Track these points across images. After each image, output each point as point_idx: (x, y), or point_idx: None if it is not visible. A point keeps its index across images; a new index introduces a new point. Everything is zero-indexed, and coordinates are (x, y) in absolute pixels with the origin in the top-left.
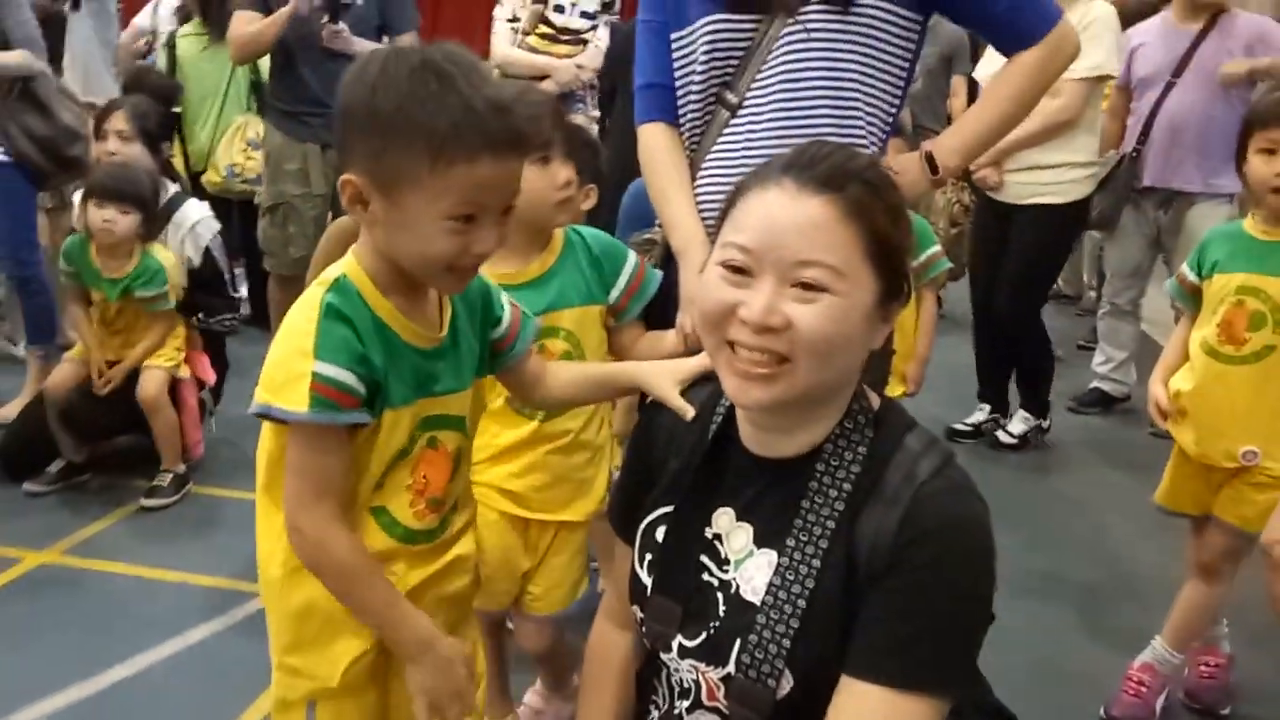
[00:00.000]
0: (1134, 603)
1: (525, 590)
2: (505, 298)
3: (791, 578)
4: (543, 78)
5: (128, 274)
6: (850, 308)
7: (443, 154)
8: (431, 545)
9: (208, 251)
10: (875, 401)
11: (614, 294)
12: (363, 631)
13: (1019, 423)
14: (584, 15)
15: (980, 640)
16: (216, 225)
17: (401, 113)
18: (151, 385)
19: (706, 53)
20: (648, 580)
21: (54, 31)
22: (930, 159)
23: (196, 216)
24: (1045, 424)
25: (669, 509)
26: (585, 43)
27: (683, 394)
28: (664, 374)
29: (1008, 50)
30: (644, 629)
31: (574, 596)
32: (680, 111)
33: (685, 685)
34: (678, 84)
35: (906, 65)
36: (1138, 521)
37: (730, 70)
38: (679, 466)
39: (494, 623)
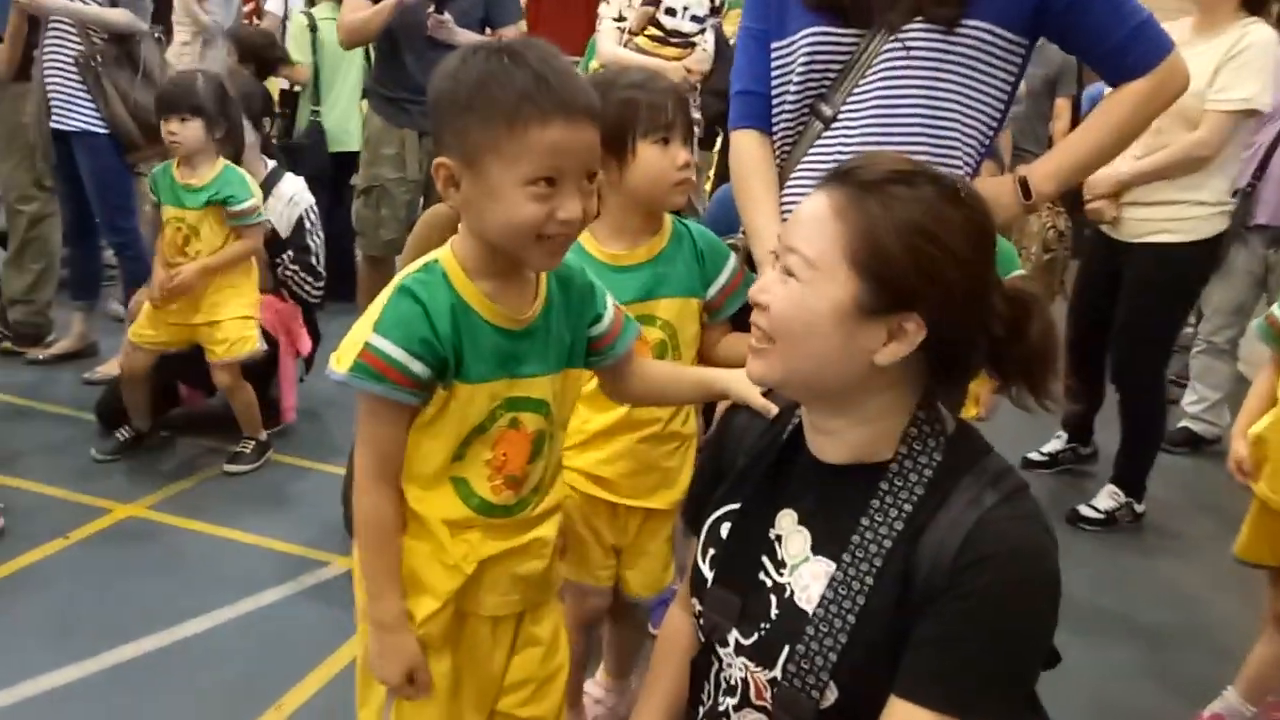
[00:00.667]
0: (1206, 651)
1: (620, 574)
2: (610, 300)
3: (844, 592)
4: None
5: (209, 182)
6: (813, 298)
7: (518, 118)
8: (510, 520)
9: (299, 221)
10: (950, 424)
11: (713, 290)
12: (438, 589)
13: (1107, 498)
14: (694, 19)
15: (1035, 676)
16: (310, 199)
17: (479, 88)
18: (224, 376)
19: (805, 64)
20: (709, 573)
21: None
22: (1024, 184)
23: (292, 190)
24: (1139, 507)
25: (735, 506)
26: (693, 46)
27: (766, 394)
28: (742, 377)
29: (1115, 80)
30: (701, 620)
31: (665, 582)
32: (774, 121)
33: (734, 682)
34: (774, 93)
35: (1008, 88)
36: (1216, 568)
37: (827, 83)
38: (747, 464)
39: (586, 622)
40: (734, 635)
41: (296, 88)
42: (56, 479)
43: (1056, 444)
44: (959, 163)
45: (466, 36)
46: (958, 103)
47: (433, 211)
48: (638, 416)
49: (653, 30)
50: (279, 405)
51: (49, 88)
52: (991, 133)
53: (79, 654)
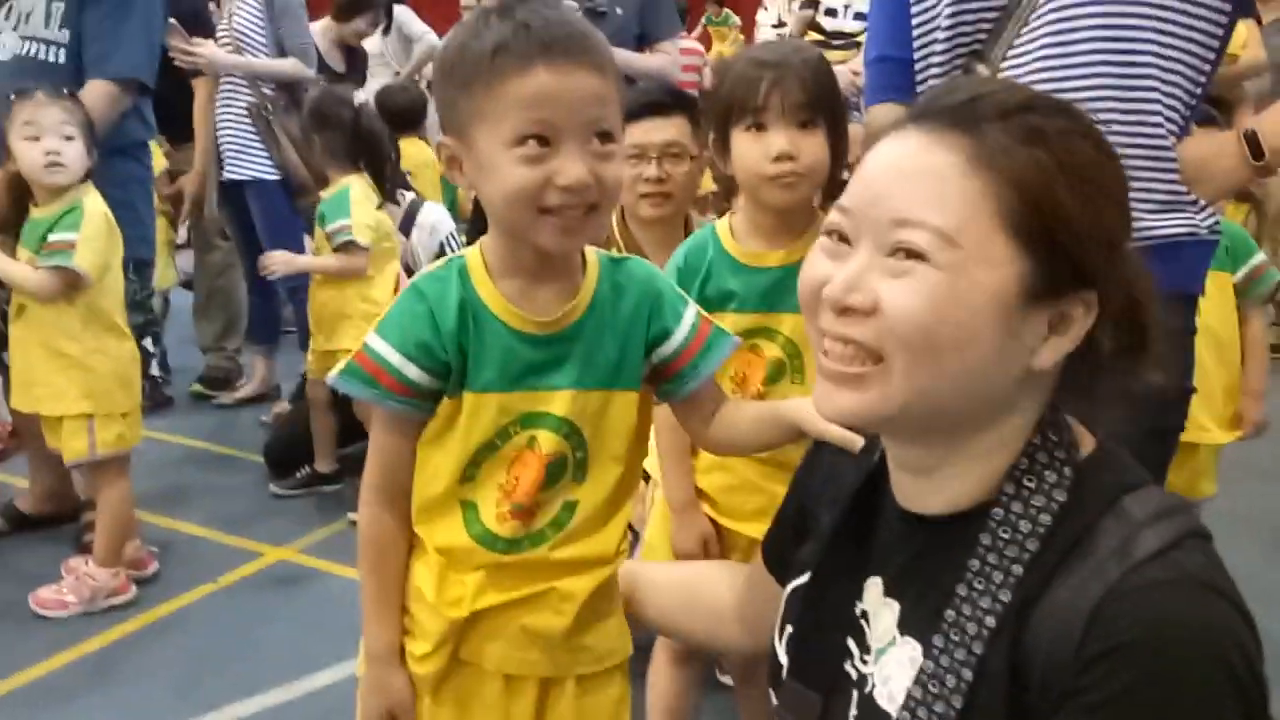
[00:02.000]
0: None
1: None
2: (692, 311)
3: (936, 690)
4: None
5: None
6: (961, 286)
7: (495, 72)
8: (517, 560)
9: (440, 249)
10: (1087, 446)
11: None
12: (428, 629)
13: None
14: (857, 17)
15: None
16: (451, 225)
17: (460, 50)
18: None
19: (952, 16)
20: (784, 659)
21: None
22: (1253, 139)
23: (433, 219)
24: None
25: (812, 573)
26: (858, 46)
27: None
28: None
29: None
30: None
31: None
32: (919, 89)
33: None
34: (917, 56)
35: (1219, 27)
36: None
37: (982, 35)
38: (830, 520)
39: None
40: None
41: None
42: (217, 522)
43: None
44: (1157, 121)
45: (620, 55)
46: (1152, 44)
47: None
48: None
49: (813, 35)
50: None
51: (221, 139)
52: (1200, 85)
53: (205, 706)
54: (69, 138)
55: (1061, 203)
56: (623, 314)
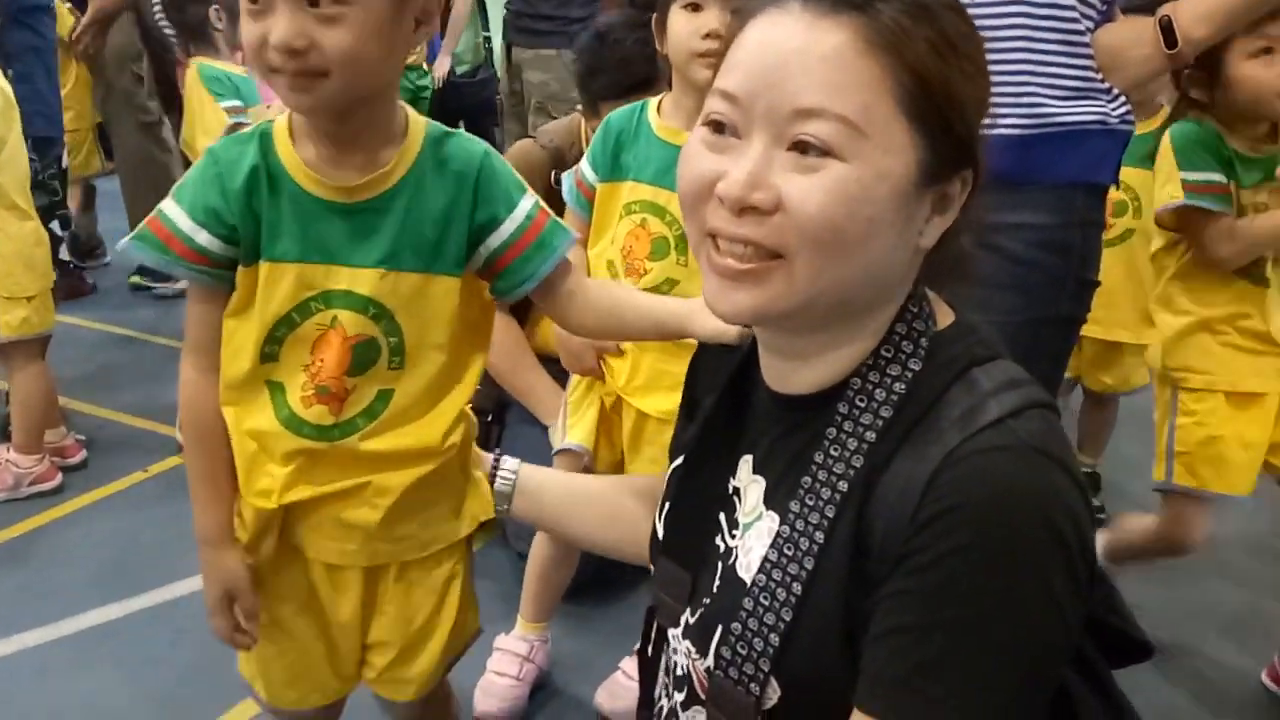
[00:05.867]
0: None
1: None
2: (529, 202)
3: (790, 553)
4: None
5: None
6: (871, 181)
7: None
8: (329, 448)
9: None
10: (945, 320)
11: None
12: (245, 518)
13: None
14: None
15: (1045, 682)
16: None
17: None
18: None
19: None
20: (661, 535)
21: None
22: (1167, 27)
23: None
24: None
25: (688, 453)
26: None
27: None
28: (702, 310)
29: None
30: (655, 597)
31: None
32: None
33: (681, 673)
34: None
35: None
36: None
37: None
38: (707, 405)
39: None
40: (685, 615)
41: None
42: (150, 411)
43: None
44: (1070, 4)
45: None
46: None
47: (517, 147)
48: None
49: None
50: None
51: None
52: None
53: (129, 590)
54: None
55: (953, 84)
56: (444, 192)
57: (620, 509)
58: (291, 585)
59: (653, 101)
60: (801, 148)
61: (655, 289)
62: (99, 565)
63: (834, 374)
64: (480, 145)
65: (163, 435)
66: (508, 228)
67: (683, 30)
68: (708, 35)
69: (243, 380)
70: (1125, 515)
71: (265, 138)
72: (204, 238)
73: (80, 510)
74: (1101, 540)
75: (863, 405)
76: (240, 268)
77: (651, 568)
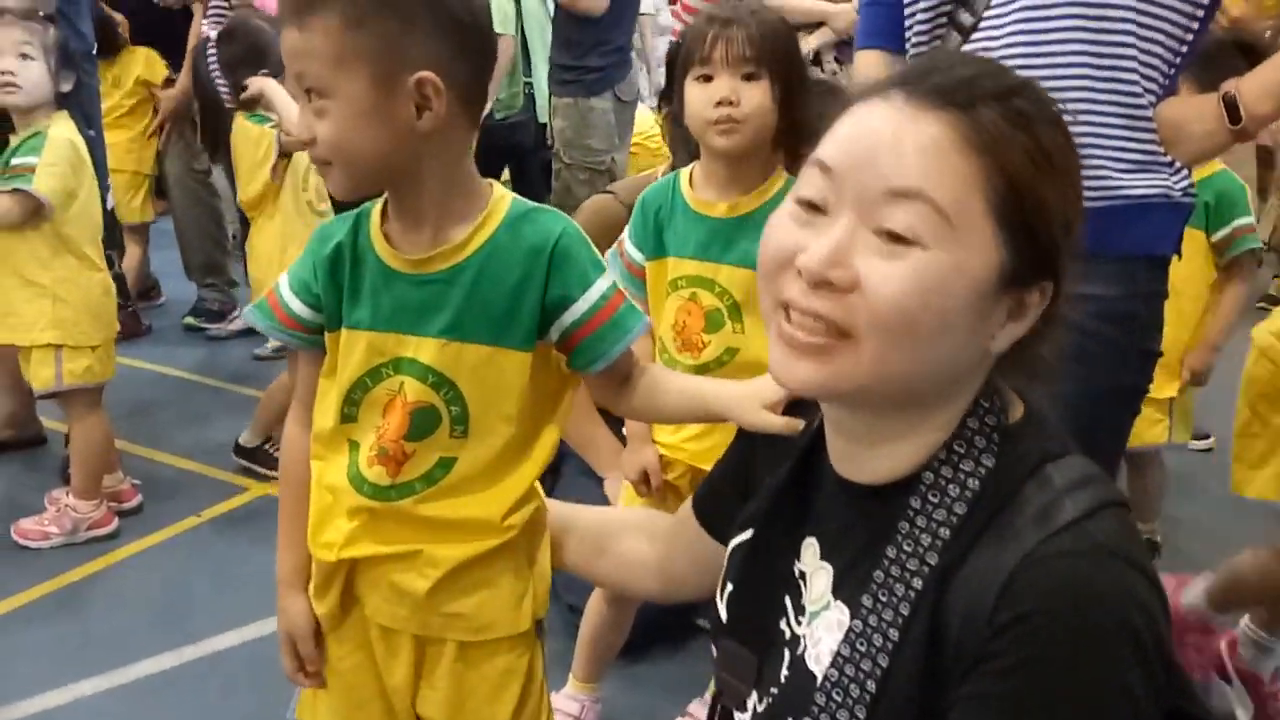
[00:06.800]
0: None
1: None
2: (605, 282)
3: (863, 649)
4: (819, 25)
5: None
6: (952, 274)
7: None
8: (387, 508)
9: None
10: (1017, 412)
11: None
12: (314, 566)
13: None
14: None
15: None
16: None
17: None
18: None
19: None
20: (724, 615)
21: None
22: (1231, 103)
23: None
24: None
25: (753, 532)
26: None
27: (791, 408)
28: (747, 399)
29: None
30: (717, 679)
31: None
32: (906, 35)
33: None
34: (906, 1)
35: None
36: None
37: None
38: (772, 483)
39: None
40: (752, 701)
41: None
42: (201, 454)
43: None
44: (1133, 80)
45: None
46: (1130, 5)
47: (593, 202)
48: None
49: None
50: None
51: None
52: (1181, 51)
53: (183, 638)
54: (27, 57)
55: (1044, 195)
56: (517, 267)
57: (610, 543)
58: (353, 639)
59: (684, 173)
60: (887, 232)
61: (717, 359)
62: (153, 612)
63: (904, 465)
64: (560, 223)
65: (214, 479)
66: (580, 306)
67: (697, 101)
68: (719, 103)
69: (328, 436)
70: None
71: (362, 215)
72: (297, 305)
73: (135, 556)
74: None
75: (935, 500)
76: (327, 333)
77: (713, 649)
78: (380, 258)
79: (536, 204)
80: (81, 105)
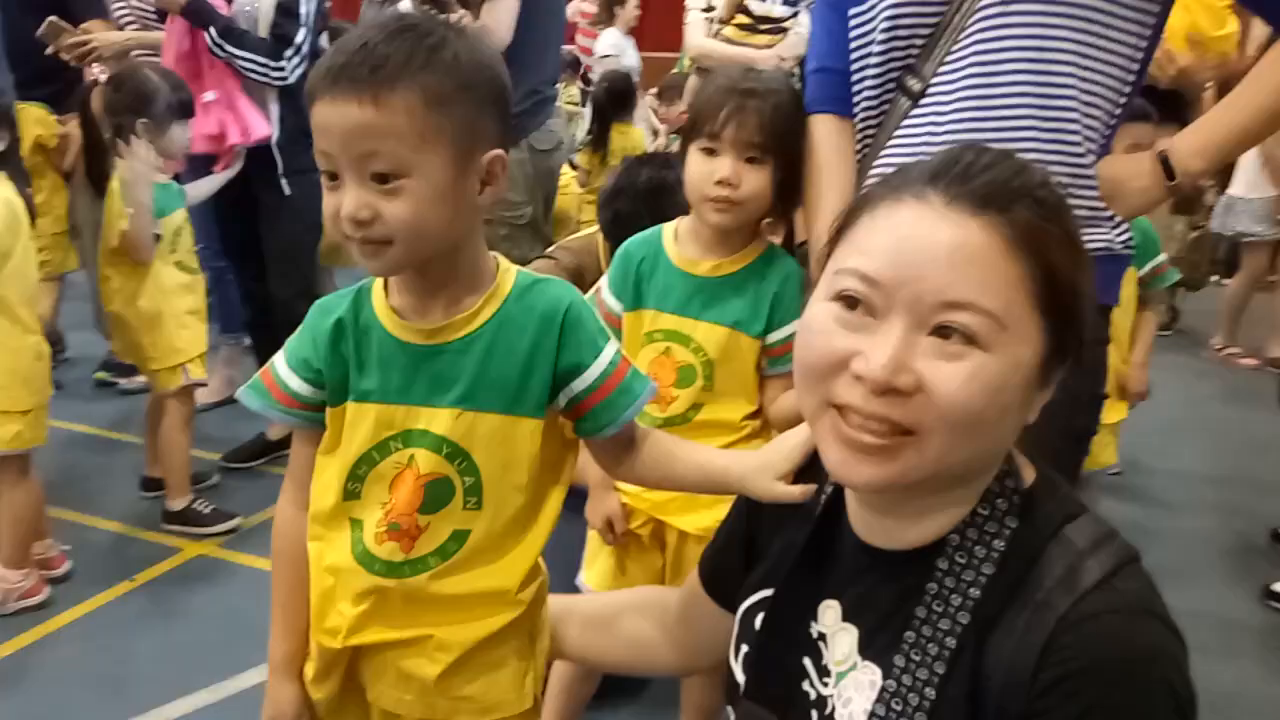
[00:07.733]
0: None
1: None
2: (612, 349)
3: (899, 708)
4: None
5: None
6: (1009, 370)
7: (309, 99)
8: (396, 585)
9: None
10: (1030, 476)
11: (776, 335)
12: (314, 652)
13: None
14: (785, 2)
15: None
16: None
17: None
18: None
19: (886, 31)
20: (741, 678)
21: None
22: (1166, 161)
23: None
24: None
25: (769, 593)
26: (785, 31)
27: (801, 472)
28: (760, 471)
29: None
30: None
31: None
32: (855, 100)
33: None
34: (853, 68)
35: (1139, 50)
36: None
37: (914, 51)
38: (784, 545)
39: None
40: None
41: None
42: (131, 517)
43: None
44: (1076, 141)
45: None
46: (1074, 65)
47: (534, 266)
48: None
49: (740, 18)
50: None
51: None
52: (1119, 108)
53: (128, 710)
54: None
55: (1078, 280)
56: (528, 336)
57: (614, 627)
58: None
59: (668, 229)
60: (944, 333)
61: (681, 415)
62: (95, 684)
63: (933, 532)
64: (568, 292)
65: (146, 541)
66: (591, 373)
67: (697, 173)
68: (720, 182)
69: (328, 515)
70: None
71: (362, 290)
72: (295, 382)
73: (70, 625)
74: None
75: (963, 562)
76: (328, 409)
77: (730, 712)
78: (388, 330)
79: (540, 274)
80: (18, 164)
